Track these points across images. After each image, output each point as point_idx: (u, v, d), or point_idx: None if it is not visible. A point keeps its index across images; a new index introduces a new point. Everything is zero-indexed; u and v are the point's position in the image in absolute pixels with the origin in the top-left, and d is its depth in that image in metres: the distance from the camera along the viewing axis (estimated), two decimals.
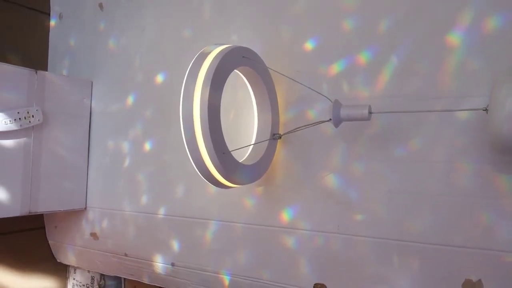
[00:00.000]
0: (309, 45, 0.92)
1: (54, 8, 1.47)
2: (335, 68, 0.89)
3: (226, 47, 0.79)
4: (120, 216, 1.23)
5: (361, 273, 0.85)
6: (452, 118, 0.76)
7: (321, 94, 0.84)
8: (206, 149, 0.73)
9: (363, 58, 0.86)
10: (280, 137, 0.92)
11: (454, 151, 0.76)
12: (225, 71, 0.78)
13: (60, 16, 1.44)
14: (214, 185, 0.80)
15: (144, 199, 1.18)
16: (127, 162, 1.22)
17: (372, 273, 0.84)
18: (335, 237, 0.88)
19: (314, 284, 0.90)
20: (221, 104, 0.77)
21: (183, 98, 0.74)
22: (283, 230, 0.94)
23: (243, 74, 0.90)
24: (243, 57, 0.83)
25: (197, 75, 0.74)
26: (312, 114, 0.91)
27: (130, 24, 1.25)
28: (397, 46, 0.82)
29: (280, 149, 0.95)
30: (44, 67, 1.45)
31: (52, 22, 1.47)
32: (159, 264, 1.15)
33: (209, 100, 0.72)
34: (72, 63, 1.40)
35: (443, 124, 0.77)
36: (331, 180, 0.88)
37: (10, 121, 1.09)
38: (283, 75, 0.89)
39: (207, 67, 0.75)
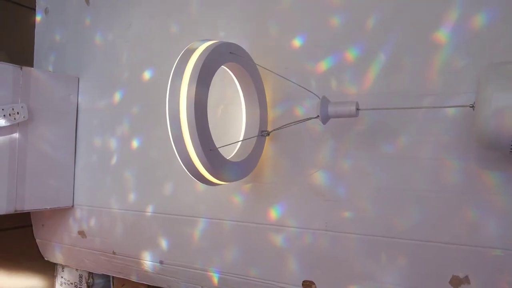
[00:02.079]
0: (296, 42, 0.92)
1: (40, 3, 1.44)
2: (323, 65, 0.88)
3: (212, 43, 0.78)
4: (107, 214, 1.22)
5: (349, 270, 0.85)
6: (439, 115, 0.77)
7: (309, 90, 0.83)
8: (193, 146, 0.72)
9: (350, 55, 0.85)
10: (268, 134, 0.91)
11: (441, 148, 0.77)
12: (212, 68, 0.77)
13: (46, 11, 1.42)
14: (202, 182, 0.79)
15: (132, 197, 1.17)
16: (114, 160, 1.21)
17: (360, 270, 0.84)
18: (323, 234, 0.88)
19: (303, 281, 0.90)
20: (209, 100, 0.76)
21: (169, 95, 0.73)
22: (271, 228, 0.94)
23: (231, 71, 0.89)
24: (230, 53, 0.82)
25: (183, 72, 0.73)
26: (300, 111, 0.91)
27: (116, 19, 1.23)
28: (385, 43, 0.82)
29: (268, 146, 0.95)
30: (30, 63, 1.43)
31: (38, 17, 1.45)
32: (148, 262, 1.14)
33: (195, 97, 0.71)
34: (58, 59, 1.38)
35: (430, 121, 0.78)
36: (319, 177, 0.88)
37: None
38: (271, 71, 0.89)
39: (193, 63, 0.74)
